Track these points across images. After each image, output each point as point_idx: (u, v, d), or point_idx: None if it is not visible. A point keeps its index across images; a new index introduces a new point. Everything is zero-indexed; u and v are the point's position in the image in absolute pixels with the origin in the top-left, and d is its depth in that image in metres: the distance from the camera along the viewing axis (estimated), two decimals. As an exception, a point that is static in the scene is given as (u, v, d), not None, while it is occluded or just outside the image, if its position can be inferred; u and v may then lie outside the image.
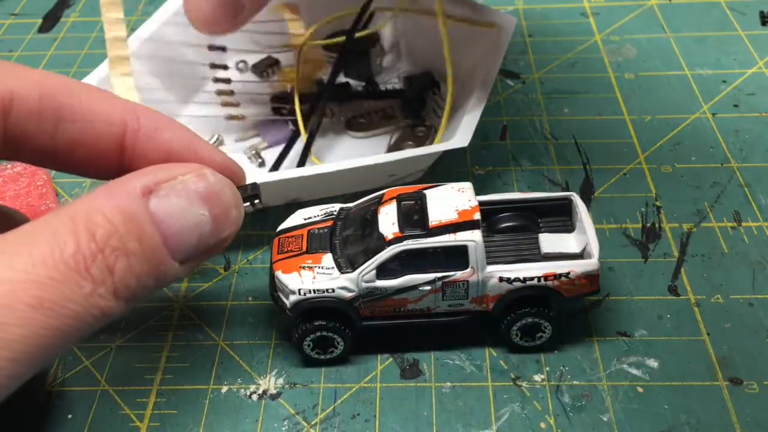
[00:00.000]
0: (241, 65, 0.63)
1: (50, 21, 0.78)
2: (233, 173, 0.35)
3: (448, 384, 0.43)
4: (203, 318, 0.48)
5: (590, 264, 0.42)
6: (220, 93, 0.60)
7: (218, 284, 0.50)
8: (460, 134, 0.50)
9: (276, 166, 0.56)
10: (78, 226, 0.27)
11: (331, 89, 0.60)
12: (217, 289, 0.49)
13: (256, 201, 0.35)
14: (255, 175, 0.48)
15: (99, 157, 0.33)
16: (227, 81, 0.60)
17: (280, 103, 0.60)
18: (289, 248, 0.43)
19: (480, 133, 0.57)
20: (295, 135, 0.58)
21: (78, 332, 0.28)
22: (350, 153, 0.59)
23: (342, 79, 0.63)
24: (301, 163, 0.56)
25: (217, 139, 0.60)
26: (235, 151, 0.59)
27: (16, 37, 0.75)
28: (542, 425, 0.41)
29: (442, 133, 0.55)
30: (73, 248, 0.27)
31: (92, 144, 0.33)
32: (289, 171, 0.52)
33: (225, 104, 0.60)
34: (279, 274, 0.42)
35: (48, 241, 0.27)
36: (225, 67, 0.60)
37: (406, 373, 0.44)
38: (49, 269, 0.26)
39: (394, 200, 0.42)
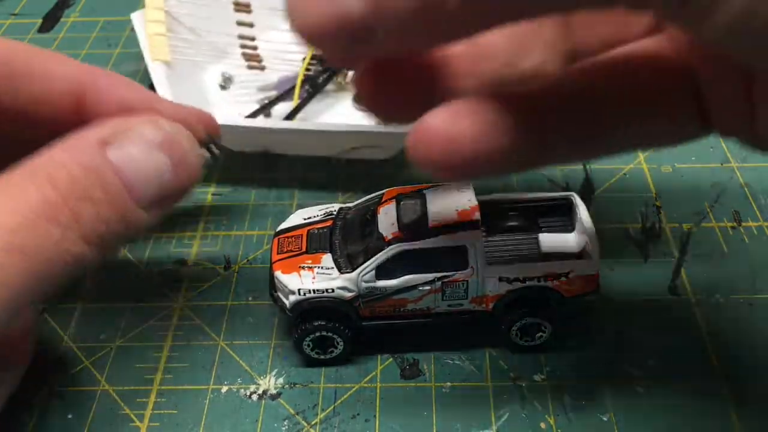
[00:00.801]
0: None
1: (50, 21, 0.78)
2: (191, 125, 0.36)
3: (448, 384, 0.43)
4: (203, 318, 0.48)
5: (590, 264, 0.42)
6: (243, 47, 0.64)
7: (218, 284, 0.50)
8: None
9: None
10: (41, 180, 0.29)
11: None
12: (217, 289, 0.49)
13: (214, 149, 0.37)
14: (233, 118, 0.56)
15: (60, 117, 0.35)
16: (252, 39, 0.63)
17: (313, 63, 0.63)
18: (288, 248, 0.43)
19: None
20: (309, 96, 0.60)
21: (53, 277, 0.29)
22: (343, 121, 0.60)
23: None
24: (289, 117, 0.58)
25: (223, 75, 0.63)
26: (249, 102, 0.62)
27: (16, 37, 0.75)
28: (542, 425, 0.41)
29: None
30: (39, 198, 0.29)
31: (52, 103, 0.35)
32: (255, 120, 0.58)
33: (248, 59, 0.64)
34: (278, 274, 0.42)
35: (12, 194, 0.29)
36: (251, 25, 0.64)
37: (406, 373, 0.44)
38: (17, 217, 0.28)
39: (394, 200, 0.42)
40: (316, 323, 0.42)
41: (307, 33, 0.19)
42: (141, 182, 0.32)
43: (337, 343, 0.43)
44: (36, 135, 0.35)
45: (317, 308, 0.42)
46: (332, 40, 0.19)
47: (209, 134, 0.37)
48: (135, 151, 0.32)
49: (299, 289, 0.41)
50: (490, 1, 0.19)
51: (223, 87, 0.63)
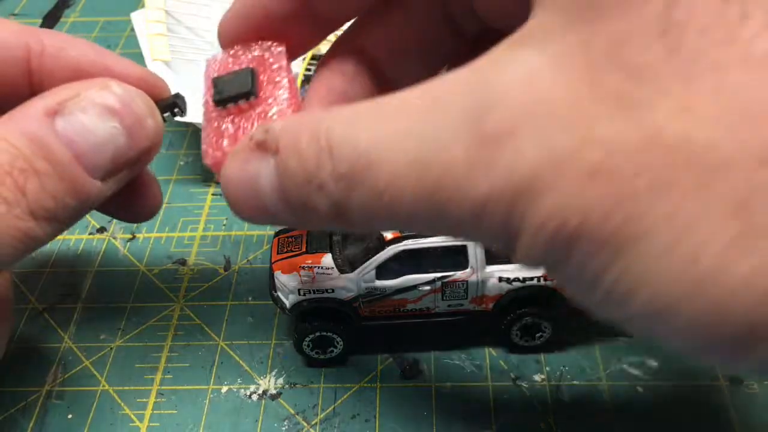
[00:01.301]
0: None
1: (50, 21, 0.78)
2: (151, 85, 0.34)
3: (448, 384, 0.43)
4: (203, 318, 0.47)
5: None
6: None
7: (218, 284, 0.50)
8: None
9: None
10: None
11: None
12: (217, 289, 0.49)
13: (176, 110, 0.35)
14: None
15: (7, 85, 0.33)
16: None
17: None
18: (288, 248, 0.43)
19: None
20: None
21: (3, 255, 0.28)
22: None
23: None
24: None
25: None
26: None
27: (16, 37, 0.75)
28: (542, 425, 0.41)
29: None
30: None
31: None
32: None
33: None
34: (278, 274, 0.42)
35: None
36: None
37: (406, 373, 0.44)
38: None
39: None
40: (315, 323, 0.42)
41: (240, 217, 0.27)
42: (92, 151, 0.30)
43: (337, 343, 0.43)
44: None
45: (317, 308, 0.42)
46: (257, 221, 0.27)
47: (177, 94, 0.35)
48: (84, 118, 0.30)
49: (299, 289, 0.41)
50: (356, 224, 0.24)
51: None
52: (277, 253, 0.43)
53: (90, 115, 0.30)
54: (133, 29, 0.61)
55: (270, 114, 0.30)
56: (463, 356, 0.44)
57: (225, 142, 0.30)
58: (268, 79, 0.31)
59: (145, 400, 0.43)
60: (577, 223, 0.18)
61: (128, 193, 0.36)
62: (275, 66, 0.32)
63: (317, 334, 0.42)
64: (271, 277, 0.43)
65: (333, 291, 0.41)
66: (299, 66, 0.62)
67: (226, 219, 0.54)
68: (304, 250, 0.43)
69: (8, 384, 0.44)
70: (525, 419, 0.41)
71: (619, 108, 0.18)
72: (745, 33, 0.17)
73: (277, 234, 0.45)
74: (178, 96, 0.35)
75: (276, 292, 0.43)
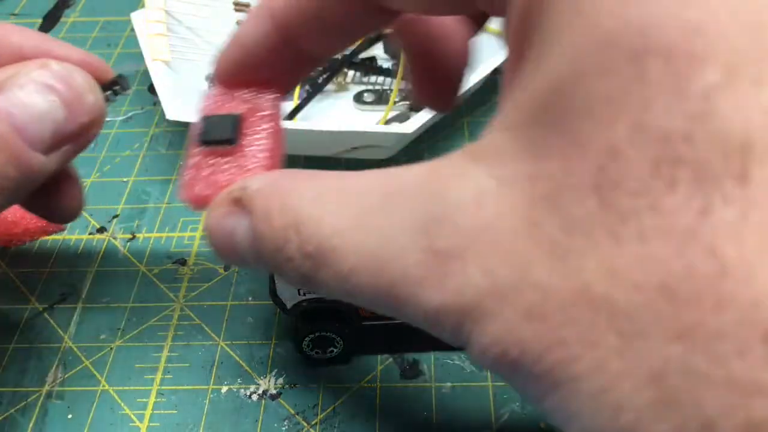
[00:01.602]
0: None
1: (50, 21, 0.78)
2: (94, 68, 0.35)
3: (448, 384, 0.43)
4: (203, 318, 0.48)
5: None
6: None
7: (218, 284, 0.50)
8: (411, 121, 0.52)
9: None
10: None
11: (351, 58, 0.62)
12: (217, 289, 0.49)
13: (117, 87, 0.37)
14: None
15: None
16: None
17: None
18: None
19: (479, 129, 0.57)
20: (309, 96, 0.60)
21: None
22: (345, 122, 0.60)
23: (371, 53, 0.65)
24: (289, 117, 0.58)
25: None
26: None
27: (16, 37, 0.75)
28: (542, 425, 0.41)
29: (386, 117, 0.58)
30: None
31: None
32: None
33: None
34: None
35: None
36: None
37: (406, 373, 0.44)
38: None
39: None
40: (316, 323, 0.42)
41: (218, 256, 0.28)
42: (33, 124, 0.31)
43: (337, 343, 0.43)
44: None
45: (317, 308, 0.42)
46: (234, 262, 0.28)
47: (120, 75, 0.37)
48: (22, 93, 0.31)
49: (299, 290, 0.41)
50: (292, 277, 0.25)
51: None
52: (277, 253, 0.43)
53: (28, 91, 0.31)
54: (133, 29, 0.61)
55: (247, 165, 0.31)
56: (463, 356, 0.44)
57: (199, 186, 0.31)
58: (253, 127, 0.32)
59: (145, 400, 0.43)
60: (516, 355, 0.19)
61: (46, 192, 0.37)
62: (263, 113, 0.33)
63: (317, 334, 0.42)
64: (271, 277, 0.43)
65: None
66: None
67: (226, 219, 0.54)
68: (304, 250, 0.43)
69: (8, 384, 0.44)
70: (525, 419, 0.41)
71: (553, 255, 0.18)
72: (670, 203, 0.17)
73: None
74: (120, 76, 0.37)
75: (276, 292, 0.43)
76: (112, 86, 0.37)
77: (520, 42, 0.22)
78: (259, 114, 0.33)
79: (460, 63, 0.35)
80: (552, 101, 0.19)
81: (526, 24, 0.21)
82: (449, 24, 0.35)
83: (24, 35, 0.35)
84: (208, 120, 0.33)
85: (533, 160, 0.19)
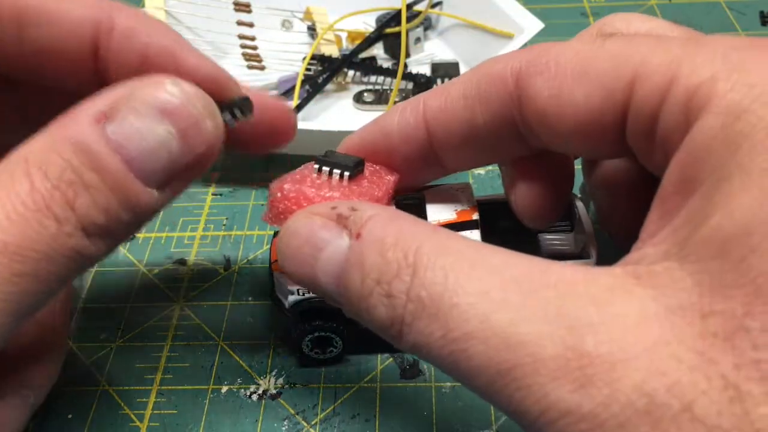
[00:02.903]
0: (287, 24, 0.67)
1: (50, 21, 0.77)
2: (221, 85, 0.32)
3: (448, 384, 0.43)
4: (203, 318, 0.48)
5: (589, 264, 0.42)
6: (243, 47, 0.63)
7: (218, 284, 0.50)
8: None
9: None
10: (30, 167, 0.26)
11: (351, 58, 0.63)
12: (217, 289, 0.49)
13: (236, 110, 0.32)
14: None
15: (71, 64, 0.31)
16: (252, 39, 0.63)
17: (314, 62, 0.63)
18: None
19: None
20: (309, 96, 0.60)
21: (57, 275, 0.26)
22: (345, 122, 0.60)
23: (371, 52, 0.65)
24: None
25: None
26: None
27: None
28: (542, 425, 0.41)
29: None
30: (28, 187, 0.26)
31: (62, 48, 0.30)
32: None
33: (248, 59, 0.64)
34: (278, 275, 0.42)
35: (4, 185, 0.26)
36: (251, 25, 0.63)
37: (406, 373, 0.44)
38: (7, 211, 0.25)
39: (393, 201, 0.42)
40: (315, 323, 0.42)
41: (284, 269, 0.29)
42: (144, 158, 0.27)
43: (336, 343, 0.43)
44: (48, 99, 0.33)
45: (316, 308, 0.42)
46: (298, 282, 0.28)
47: (245, 98, 0.32)
48: (135, 121, 0.27)
49: (298, 289, 0.41)
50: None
51: None
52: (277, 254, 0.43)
53: (141, 118, 0.27)
54: None
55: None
56: (462, 356, 0.44)
57: (294, 194, 0.32)
58: (370, 181, 0.34)
59: (145, 400, 0.43)
60: None
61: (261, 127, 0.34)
62: (380, 180, 0.35)
63: (316, 334, 0.42)
64: (271, 277, 0.43)
65: None
66: (299, 66, 0.62)
67: (226, 219, 0.54)
68: (304, 250, 0.43)
69: (8, 384, 0.44)
70: (525, 419, 0.41)
71: (723, 395, 0.18)
72: None
73: (276, 234, 0.45)
74: (246, 99, 0.32)
75: (275, 292, 0.43)
76: (231, 108, 0.31)
77: (685, 173, 0.22)
78: (376, 178, 0.35)
79: (568, 180, 0.37)
80: (737, 242, 0.19)
81: (698, 159, 0.22)
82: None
83: (154, 37, 0.31)
84: (333, 152, 0.34)
85: (710, 294, 0.19)
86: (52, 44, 0.30)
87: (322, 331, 0.42)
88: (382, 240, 0.24)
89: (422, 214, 0.41)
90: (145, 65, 0.31)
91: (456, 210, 0.41)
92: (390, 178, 0.35)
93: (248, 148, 0.37)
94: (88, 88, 0.30)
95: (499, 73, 0.30)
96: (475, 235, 0.40)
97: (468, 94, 0.31)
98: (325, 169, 0.33)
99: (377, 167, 0.35)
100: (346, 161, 0.33)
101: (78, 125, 0.27)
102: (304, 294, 0.41)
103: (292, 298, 0.42)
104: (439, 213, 0.41)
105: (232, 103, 0.32)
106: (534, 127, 0.30)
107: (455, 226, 0.40)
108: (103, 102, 0.28)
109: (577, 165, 0.40)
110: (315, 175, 0.33)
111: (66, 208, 0.26)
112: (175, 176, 0.29)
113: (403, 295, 0.23)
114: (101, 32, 0.30)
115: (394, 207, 0.35)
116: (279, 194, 0.33)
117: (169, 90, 0.28)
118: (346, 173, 0.33)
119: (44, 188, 0.26)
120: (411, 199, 0.42)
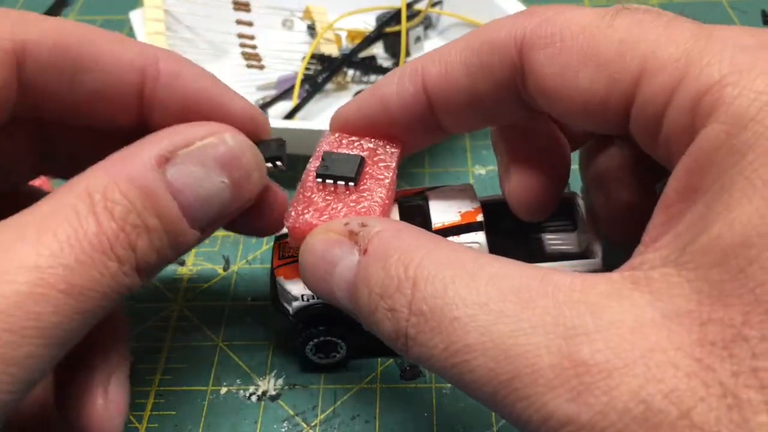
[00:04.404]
0: (288, 23, 0.68)
1: (49, 19, 0.77)
2: (258, 126, 0.34)
3: (449, 385, 0.43)
4: (202, 318, 0.47)
5: (593, 264, 0.41)
6: (243, 46, 0.63)
7: (217, 285, 0.49)
8: None
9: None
10: (96, 205, 0.26)
11: (351, 57, 0.63)
12: (217, 290, 0.49)
13: (279, 163, 0.34)
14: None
15: (118, 109, 0.32)
16: (251, 38, 0.63)
17: (314, 62, 0.63)
18: (290, 253, 0.43)
19: (481, 132, 0.57)
20: (309, 95, 0.60)
21: (105, 311, 0.27)
22: None
23: (371, 52, 0.65)
24: (289, 117, 0.58)
25: None
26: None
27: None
28: (543, 427, 0.41)
29: None
30: (96, 228, 0.26)
31: (111, 94, 0.31)
32: None
33: (248, 58, 0.64)
34: (281, 280, 0.41)
35: (70, 221, 0.26)
36: (250, 24, 0.63)
37: (407, 374, 0.44)
38: (76, 252, 0.25)
39: (396, 203, 0.42)
40: (319, 328, 0.41)
41: (306, 284, 0.30)
42: (198, 205, 0.29)
43: (341, 348, 0.43)
44: (92, 140, 0.33)
45: (321, 314, 0.41)
46: (319, 296, 0.30)
47: (279, 139, 0.35)
48: (195, 170, 0.29)
49: (303, 295, 0.41)
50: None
51: None
52: (279, 258, 0.42)
53: (202, 168, 0.29)
54: (131, 28, 0.61)
55: (359, 207, 0.33)
56: (463, 357, 0.44)
57: (309, 214, 0.33)
58: (373, 173, 0.34)
59: (144, 400, 0.43)
60: None
61: (256, 210, 0.35)
62: (383, 164, 0.35)
63: (321, 338, 0.42)
64: (273, 283, 0.42)
65: None
66: (299, 65, 0.62)
67: (226, 219, 0.54)
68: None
69: (6, 385, 0.44)
70: (526, 421, 0.41)
71: (722, 402, 0.18)
72: None
73: (277, 239, 0.45)
74: (280, 141, 0.35)
75: (278, 298, 0.42)
76: (274, 159, 0.34)
77: (690, 180, 0.22)
78: (379, 163, 0.35)
79: (564, 171, 0.36)
80: (737, 252, 0.19)
81: (703, 167, 0.22)
82: (560, 135, 0.36)
83: (197, 81, 0.32)
84: (330, 156, 0.34)
85: (709, 303, 0.19)
86: (103, 88, 0.31)
87: (327, 336, 0.42)
88: (386, 254, 0.25)
89: (426, 217, 0.41)
90: (188, 108, 0.32)
91: (459, 212, 0.41)
92: (393, 152, 0.35)
93: (233, 227, 0.38)
94: (129, 128, 0.32)
95: (502, 42, 0.30)
96: (480, 237, 0.40)
97: (469, 62, 0.31)
98: (329, 182, 0.34)
99: (378, 143, 0.35)
100: (346, 168, 0.34)
101: (141, 166, 0.28)
102: (308, 300, 0.41)
103: (296, 305, 0.41)
104: (442, 215, 0.41)
105: (271, 150, 0.34)
106: (536, 98, 0.30)
107: (459, 229, 0.40)
108: (164, 145, 0.29)
109: (577, 165, 0.40)
110: (319, 186, 0.34)
111: (128, 250, 0.27)
112: (219, 222, 0.31)
113: (405, 309, 0.23)
114: (147, 77, 0.32)
115: (395, 181, 0.36)
116: (292, 219, 0.33)
117: (228, 142, 0.30)
118: (348, 183, 0.33)
119: (110, 229, 0.26)
120: (414, 201, 0.42)
